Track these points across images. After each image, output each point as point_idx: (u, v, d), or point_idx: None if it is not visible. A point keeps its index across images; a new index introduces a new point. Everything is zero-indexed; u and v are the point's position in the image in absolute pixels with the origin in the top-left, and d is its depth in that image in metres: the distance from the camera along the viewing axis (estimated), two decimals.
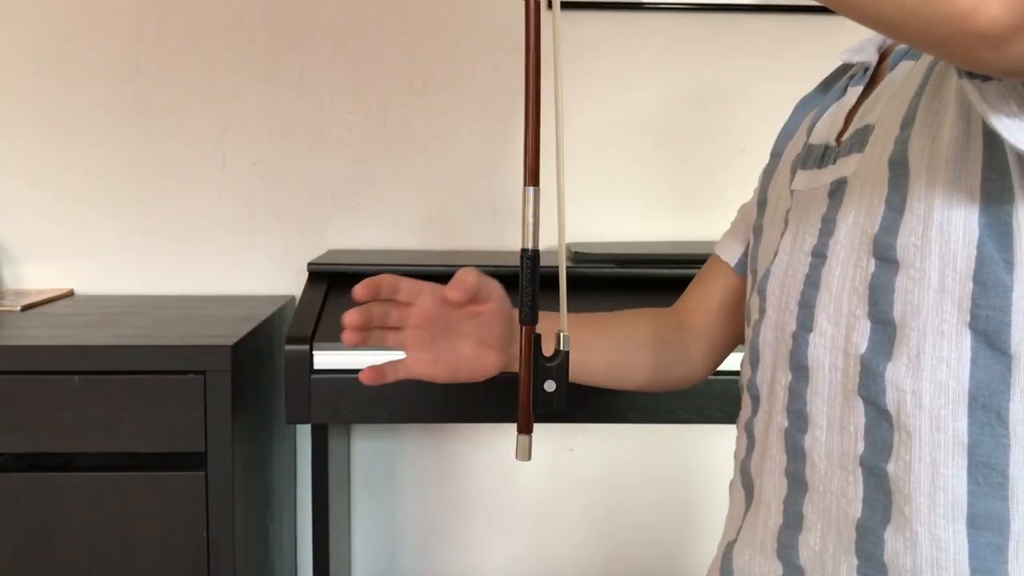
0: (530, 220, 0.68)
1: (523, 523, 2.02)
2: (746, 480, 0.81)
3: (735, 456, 0.86)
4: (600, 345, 0.93)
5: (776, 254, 0.78)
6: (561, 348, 0.70)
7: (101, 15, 1.85)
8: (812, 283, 0.71)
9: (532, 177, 0.68)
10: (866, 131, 0.72)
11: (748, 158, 1.91)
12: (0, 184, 1.87)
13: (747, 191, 1.95)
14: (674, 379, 0.97)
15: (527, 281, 0.68)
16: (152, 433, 1.39)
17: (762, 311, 0.79)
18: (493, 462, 2.00)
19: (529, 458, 0.70)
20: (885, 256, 0.65)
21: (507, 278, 1.61)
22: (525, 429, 0.70)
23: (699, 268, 1.59)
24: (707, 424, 1.42)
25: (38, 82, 1.86)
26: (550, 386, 0.69)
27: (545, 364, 0.69)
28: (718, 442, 1.97)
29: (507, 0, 1.88)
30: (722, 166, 1.92)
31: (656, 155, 1.92)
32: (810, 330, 0.71)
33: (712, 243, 1.85)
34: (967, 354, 0.62)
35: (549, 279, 0.71)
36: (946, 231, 0.62)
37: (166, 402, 1.39)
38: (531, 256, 0.68)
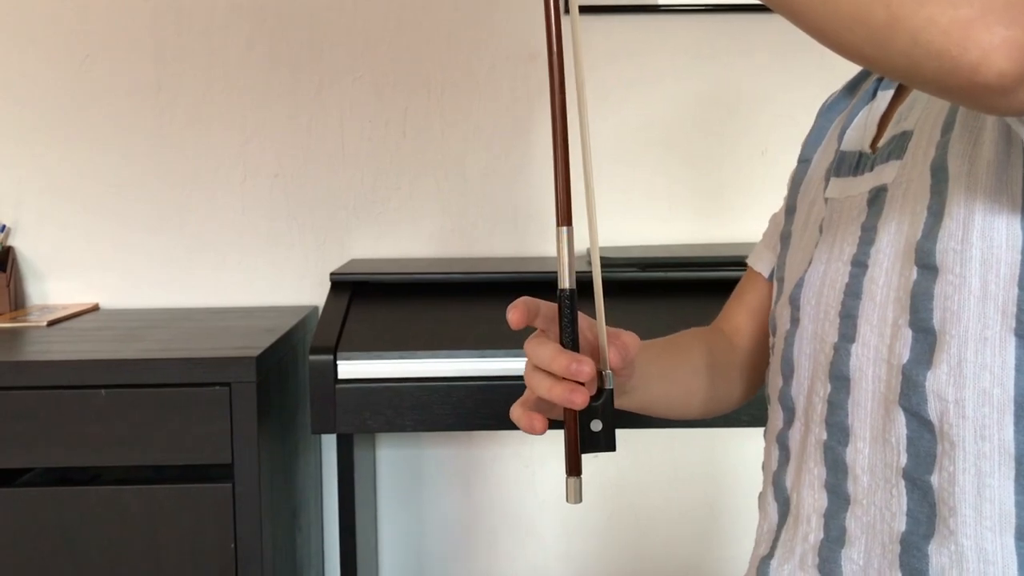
0: (565, 260, 0.66)
1: (549, 529, 2.01)
2: (780, 493, 0.79)
3: (764, 468, 0.85)
4: (661, 383, 0.87)
5: (811, 263, 0.77)
6: (605, 386, 0.69)
7: (121, 32, 1.87)
8: (853, 293, 0.70)
9: (564, 217, 0.66)
10: (904, 137, 0.70)
11: (770, 159, 1.90)
12: (24, 201, 1.89)
13: (769, 192, 1.94)
14: (726, 405, 0.93)
15: (567, 320, 0.67)
16: (179, 445, 1.39)
17: (795, 321, 0.77)
18: (518, 468, 1.99)
19: (580, 500, 0.68)
20: (925, 263, 0.64)
21: (529, 285, 1.61)
22: (574, 471, 0.68)
23: (722, 271, 1.60)
24: (735, 428, 1.41)
25: (60, 99, 1.87)
26: (596, 425, 0.68)
27: (590, 404, 0.67)
28: (744, 445, 1.96)
29: (524, 8, 1.88)
30: (744, 167, 1.91)
31: (677, 157, 1.92)
32: (852, 341, 0.69)
33: (735, 244, 1.85)
34: (1011, 361, 0.60)
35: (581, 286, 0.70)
36: (988, 236, 0.61)
37: (192, 414, 1.39)
38: (569, 295, 0.67)
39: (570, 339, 0.67)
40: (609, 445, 0.68)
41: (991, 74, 0.48)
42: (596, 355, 0.70)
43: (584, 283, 0.68)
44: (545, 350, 0.68)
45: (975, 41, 0.47)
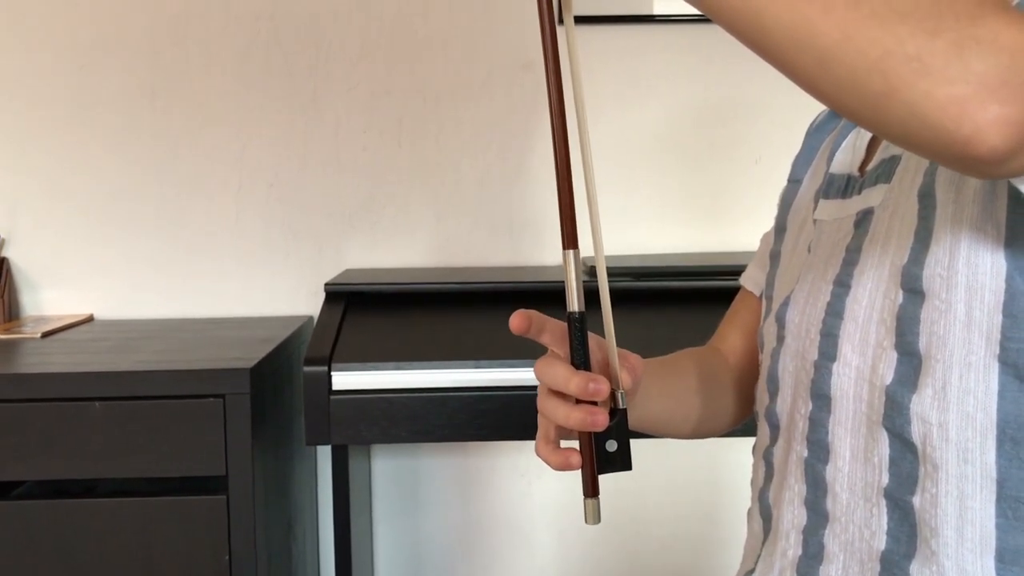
0: (573, 282, 0.66)
1: (545, 538, 2.01)
2: (764, 509, 0.80)
3: (752, 484, 0.85)
4: (660, 402, 0.87)
5: (797, 282, 0.78)
6: (619, 406, 0.68)
7: (117, 41, 1.87)
8: (835, 312, 0.70)
9: (570, 240, 0.66)
10: (893, 162, 0.71)
11: (764, 167, 1.91)
12: (19, 211, 1.89)
13: (763, 200, 1.94)
14: (721, 425, 0.94)
15: (577, 343, 0.67)
16: (173, 458, 1.39)
17: (780, 339, 0.78)
18: (514, 477, 1.99)
19: (599, 521, 0.68)
20: (912, 287, 0.64)
21: (525, 294, 1.61)
22: (592, 493, 0.68)
23: (715, 280, 1.60)
24: (729, 437, 1.40)
25: (55, 108, 1.87)
26: (612, 446, 0.68)
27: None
28: (739, 454, 1.96)
29: (518, 16, 1.89)
30: (738, 176, 1.91)
31: (670, 166, 1.92)
32: (833, 359, 0.70)
33: (729, 253, 1.85)
34: (995, 387, 0.61)
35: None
36: (973, 263, 0.61)
37: (187, 426, 1.39)
38: (579, 319, 0.67)
39: (581, 360, 0.67)
40: (625, 464, 0.69)
41: (983, 148, 0.49)
42: (605, 375, 0.70)
43: (588, 297, 0.67)
44: (558, 372, 0.67)
45: (970, 117, 0.48)
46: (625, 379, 0.70)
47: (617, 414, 0.68)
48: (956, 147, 0.49)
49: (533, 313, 0.70)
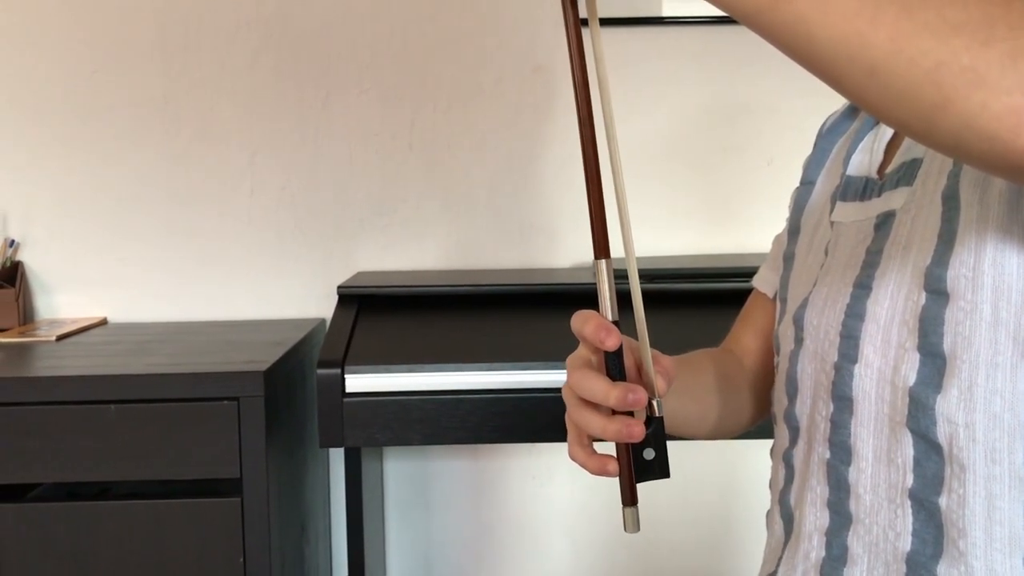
0: (606, 293, 0.66)
1: (557, 541, 2.01)
2: (785, 511, 0.80)
3: (771, 486, 0.85)
4: (678, 399, 0.85)
5: (815, 284, 0.77)
6: (656, 414, 0.68)
7: (127, 46, 1.88)
8: (855, 314, 0.70)
9: (602, 250, 0.66)
10: (914, 164, 0.71)
11: (776, 168, 1.90)
12: (33, 215, 1.90)
13: (776, 201, 1.93)
14: (738, 425, 0.93)
15: (613, 354, 0.66)
16: (187, 460, 1.40)
17: (798, 341, 0.78)
18: (526, 480, 1.99)
19: (638, 529, 0.67)
20: (935, 288, 0.64)
21: (536, 297, 1.61)
22: (630, 502, 0.68)
23: (728, 282, 1.60)
24: (745, 440, 1.40)
25: (67, 114, 1.88)
26: (649, 454, 0.67)
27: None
28: (755, 458, 1.95)
29: (528, 20, 1.89)
30: (750, 177, 1.91)
31: (682, 168, 1.92)
32: (855, 361, 0.70)
33: (741, 255, 1.85)
34: (1022, 387, 0.61)
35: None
36: (1000, 264, 0.61)
37: (200, 429, 1.39)
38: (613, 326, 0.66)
39: (617, 370, 0.67)
40: (663, 472, 0.68)
41: None
42: (638, 382, 0.69)
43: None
44: (595, 385, 0.66)
45: None
46: (660, 386, 0.69)
47: (653, 422, 0.68)
48: (1012, 157, 0.49)
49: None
